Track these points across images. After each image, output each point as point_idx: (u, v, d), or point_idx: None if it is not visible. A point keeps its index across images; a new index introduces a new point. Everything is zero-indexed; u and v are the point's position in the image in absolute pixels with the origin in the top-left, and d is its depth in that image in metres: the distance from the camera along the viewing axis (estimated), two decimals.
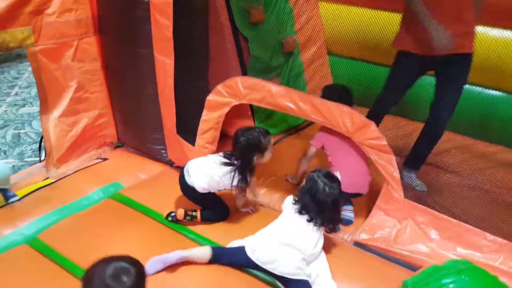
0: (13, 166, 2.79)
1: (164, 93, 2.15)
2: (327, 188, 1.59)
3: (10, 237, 1.80)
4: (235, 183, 1.81)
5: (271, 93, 1.96)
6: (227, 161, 1.83)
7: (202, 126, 2.17)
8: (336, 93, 2.07)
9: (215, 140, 2.18)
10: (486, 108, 2.58)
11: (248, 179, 1.85)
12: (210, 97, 2.11)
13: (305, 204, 1.62)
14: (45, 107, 2.19)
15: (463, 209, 1.96)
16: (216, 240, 1.78)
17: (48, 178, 2.22)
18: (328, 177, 1.63)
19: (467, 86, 2.20)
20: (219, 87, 2.08)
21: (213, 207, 1.91)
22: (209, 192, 1.86)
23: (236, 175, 1.81)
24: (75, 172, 2.27)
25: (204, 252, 1.63)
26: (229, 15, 2.37)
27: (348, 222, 1.96)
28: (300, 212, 1.62)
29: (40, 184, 2.15)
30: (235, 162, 1.82)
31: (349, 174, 1.93)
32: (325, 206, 1.59)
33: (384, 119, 2.39)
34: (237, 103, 2.08)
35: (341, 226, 1.84)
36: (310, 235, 1.61)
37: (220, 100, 2.09)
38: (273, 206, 2.09)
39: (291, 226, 1.62)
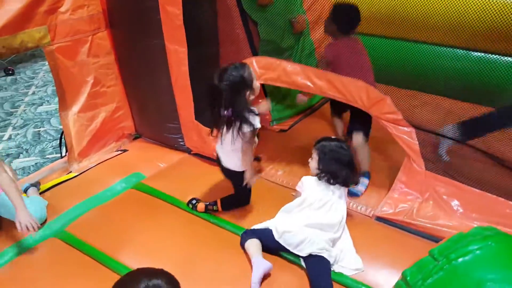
0: (36, 163, 2.88)
1: (179, 82, 2.18)
2: (344, 147, 1.68)
3: (38, 232, 1.83)
4: (238, 133, 1.60)
5: (286, 71, 1.97)
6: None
7: None
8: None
9: None
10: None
11: (252, 122, 1.61)
12: None
13: (333, 172, 1.65)
14: (64, 104, 2.24)
15: (486, 179, 1.93)
16: (245, 226, 1.80)
17: (71, 172, 2.29)
18: (334, 140, 1.73)
19: None
20: None
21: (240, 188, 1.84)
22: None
23: (235, 124, 1.60)
24: (96, 165, 2.33)
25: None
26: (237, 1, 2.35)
27: (354, 195, 1.97)
28: (329, 182, 1.65)
29: (63, 178, 2.22)
30: (225, 112, 1.61)
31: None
32: (350, 162, 1.68)
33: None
34: None
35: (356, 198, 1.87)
36: (338, 207, 1.65)
37: None
38: (293, 186, 2.11)
39: (318, 205, 1.64)
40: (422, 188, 1.84)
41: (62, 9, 2.06)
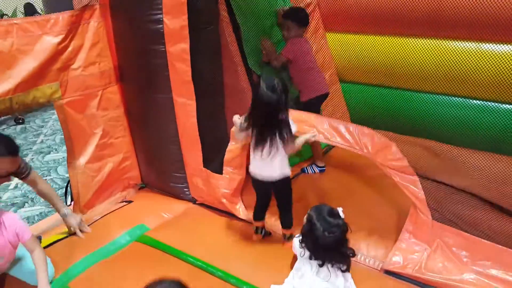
0: (40, 213, 2.87)
1: (186, 132, 2.23)
2: (326, 233, 1.52)
3: None
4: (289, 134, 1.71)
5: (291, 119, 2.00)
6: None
7: (227, 156, 2.23)
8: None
9: (242, 166, 2.22)
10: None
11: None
12: (234, 129, 2.17)
13: (310, 249, 1.58)
14: (72, 156, 2.27)
15: (495, 229, 1.90)
16: (253, 283, 1.76)
17: None
18: (328, 216, 1.56)
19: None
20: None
21: (289, 191, 1.92)
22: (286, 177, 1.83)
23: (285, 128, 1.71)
24: (101, 218, 2.31)
25: None
26: (241, 55, 2.47)
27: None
28: (310, 258, 1.58)
29: (67, 232, 2.18)
30: (283, 116, 1.69)
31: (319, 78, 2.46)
32: (329, 249, 1.54)
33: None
34: None
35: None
36: (335, 278, 1.57)
37: None
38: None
39: (313, 276, 1.57)
40: (430, 238, 1.81)
41: (74, 66, 2.15)
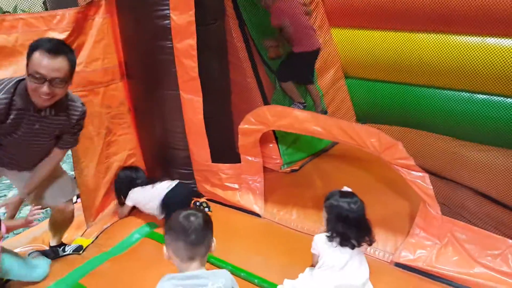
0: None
1: (193, 129, 2.23)
2: (352, 205, 1.56)
3: (51, 286, 1.82)
4: None
5: (298, 119, 2.02)
6: None
7: (242, 150, 2.27)
8: None
9: (259, 154, 2.30)
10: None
11: None
12: (242, 126, 2.20)
13: (342, 233, 1.57)
14: (77, 160, 2.18)
15: (505, 223, 1.91)
16: (264, 277, 1.77)
17: (86, 230, 2.25)
18: (344, 196, 1.60)
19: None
20: (249, 116, 2.16)
21: None
22: None
23: None
24: (111, 225, 2.28)
25: None
26: (247, 51, 2.47)
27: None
28: (341, 244, 1.57)
29: (80, 240, 2.17)
30: None
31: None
32: (360, 221, 1.57)
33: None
34: (266, 129, 2.16)
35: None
36: (361, 265, 1.59)
37: (251, 128, 2.18)
38: (308, 231, 2.09)
39: (339, 266, 1.57)
40: (440, 233, 1.82)
41: (76, 61, 2.13)
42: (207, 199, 2.44)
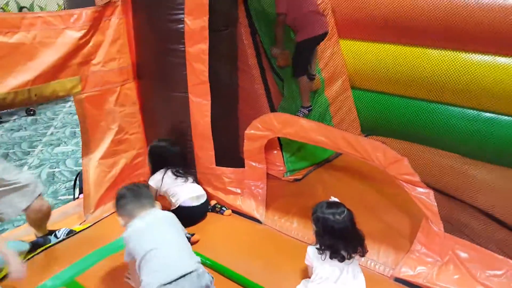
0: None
1: (200, 131, 2.26)
2: (337, 216, 1.54)
3: (48, 283, 1.81)
4: None
5: (304, 128, 2.04)
6: None
7: (246, 155, 2.30)
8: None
9: (263, 160, 2.33)
10: None
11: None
12: (248, 131, 2.23)
13: (330, 246, 1.55)
14: (88, 150, 2.29)
15: (508, 243, 1.89)
16: (262, 284, 1.76)
17: (85, 221, 2.28)
18: (330, 207, 1.58)
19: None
20: (256, 122, 2.18)
21: None
22: None
23: None
24: (110, 214, 2.30)
25: None
26: (257, 59, 2.50)
27: None
28: (331, 257, 1.55)
29: (77, 229, 2.20)
30: None
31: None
32: (347, 232, 1.54)
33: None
34: (272, 136, 2.18)
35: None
36: (356, 275, 1.57)
37: (258, 134, 2.20)
38: (308, 240, 2.09)
39: (334, 278, 1.55)
40: (442, 250, 1.81)
41: (94, 61, 2.18)
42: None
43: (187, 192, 2.23)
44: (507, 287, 1.66)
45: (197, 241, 2.04)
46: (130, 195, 1.62)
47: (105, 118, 2.28)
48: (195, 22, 2.04)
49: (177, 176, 2.27)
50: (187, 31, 2.07)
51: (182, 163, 2.31)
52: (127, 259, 1.59)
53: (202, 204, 2.25)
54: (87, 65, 2.17)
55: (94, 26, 2.14)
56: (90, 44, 2.15)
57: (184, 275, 1.43)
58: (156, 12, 2.14)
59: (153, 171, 2.31)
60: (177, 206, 2.19)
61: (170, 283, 1.39)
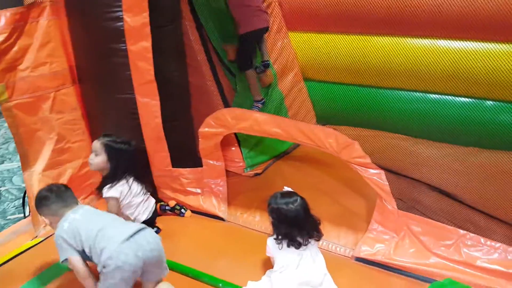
0: None
1: (151, 134, 2.16)
2: (290, 205, 1.59)
3: None
4: None
5: (258, 121, 2.03)
6: None
7: (203, 154, 2.24)
8: None
9: (220, 158, 2.27)
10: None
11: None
12: (202, 129, 2.18)
13: (286, 234, 1.59)
14: (27, 163, 2.13)
15: (454, 215, 2.00)
16: (229, 280, 1.74)
17: (36, 237, 2.13)
18: (283, 196, 1.63)
19: None
20: (209, 119, 2.14)
21: None
22: None
23: None
24: None
25: None
26: (206, 54, 2.45)
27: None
28: (288, 245, 1.59)
29: (28, 244, 2.06)
30: None
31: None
32: (300, 219, 1.58)
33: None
34: (227, 132, 2.15)
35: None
36: (316, 259, 1.60)
37: (212, 131, 2.16)
38: (271, 231, 2.06)
39: (295, 264, 1.58)
40: (397, 227, 1.88)
41: (21, 66, 2.04)
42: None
43: (147, 211, 2.08)
44: (457, 254, 1.76)
45: None
46: (53, 196, 1.65)
47: (41, 127, 2.13)
48: (135, 19, 1.94)
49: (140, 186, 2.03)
50: (127, 29, 1.96)
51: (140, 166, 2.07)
52: (72, 255, 1.54)
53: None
54: (13, 71, 2.01)
55: (17, 29, 1.99)
56: (15, 48, 2.00)
57: (138, 231, 1.52)
58: (93, 11, 2.01)
59: (113, 178, 1.95)
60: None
61: (127, 239, 1.47)
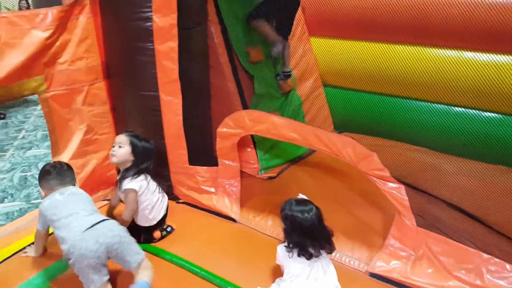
0: (20, 208, 2.81)
1: (171, 131, 2.24)
2: (306, 214, 1.54)
3: None
4: None
5: (275, 125, 2.04)
6: None
7: (219, 153, 2.29)
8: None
9: (236, 158, 2.30)
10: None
11: None
12: (220, 129, 2.22)
13: (298, 243, 1.55)
14: (56, 150, 2.26)
15: (478, 237, 1.90)
16: (238, 283, 1.75)
17: None
18: (298, 204, 1.58)
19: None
20: (227, 119, 2.18)
21: None
22: None
23: None
24: None
25: None
26: (228, 56, 2.50)
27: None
28: (299, 254, 1.55)
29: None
30: None
31: None
32: (314, 230, 1.54)
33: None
34: (244, 134, 2.17)
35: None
36: (327, 269, 1.57)
37: (229, 131, 2.20)
38: (282, 238, 2.07)
39: (305, 275, 1.55)
40: (415, 244, 1.79)
41: (61, 60, 2.16)
42: (183, 202, 2.43)
43: (163, 210, 2.07)
44: (479, 280, 1.66)
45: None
46: (54, 172, 1.78)
47: (72, 117, 2.25)
48: (164, 20, 2.02)
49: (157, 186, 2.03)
50: (155, 29, 2.05)
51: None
52: (40, 228, 1.80)
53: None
54: (53, 64, 2.13)
55: (61, 25, 2.11)
56: (57, 43, 2.12)
57: (99, 222, 1.61)
58: (124, 10, 2.11)
59: (135, 170, 1.95)
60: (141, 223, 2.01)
61: (89, 228, 1.57)
